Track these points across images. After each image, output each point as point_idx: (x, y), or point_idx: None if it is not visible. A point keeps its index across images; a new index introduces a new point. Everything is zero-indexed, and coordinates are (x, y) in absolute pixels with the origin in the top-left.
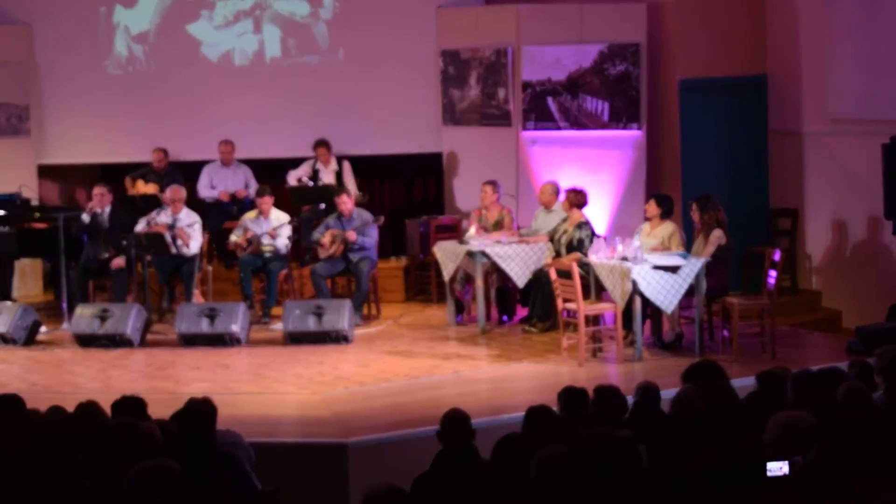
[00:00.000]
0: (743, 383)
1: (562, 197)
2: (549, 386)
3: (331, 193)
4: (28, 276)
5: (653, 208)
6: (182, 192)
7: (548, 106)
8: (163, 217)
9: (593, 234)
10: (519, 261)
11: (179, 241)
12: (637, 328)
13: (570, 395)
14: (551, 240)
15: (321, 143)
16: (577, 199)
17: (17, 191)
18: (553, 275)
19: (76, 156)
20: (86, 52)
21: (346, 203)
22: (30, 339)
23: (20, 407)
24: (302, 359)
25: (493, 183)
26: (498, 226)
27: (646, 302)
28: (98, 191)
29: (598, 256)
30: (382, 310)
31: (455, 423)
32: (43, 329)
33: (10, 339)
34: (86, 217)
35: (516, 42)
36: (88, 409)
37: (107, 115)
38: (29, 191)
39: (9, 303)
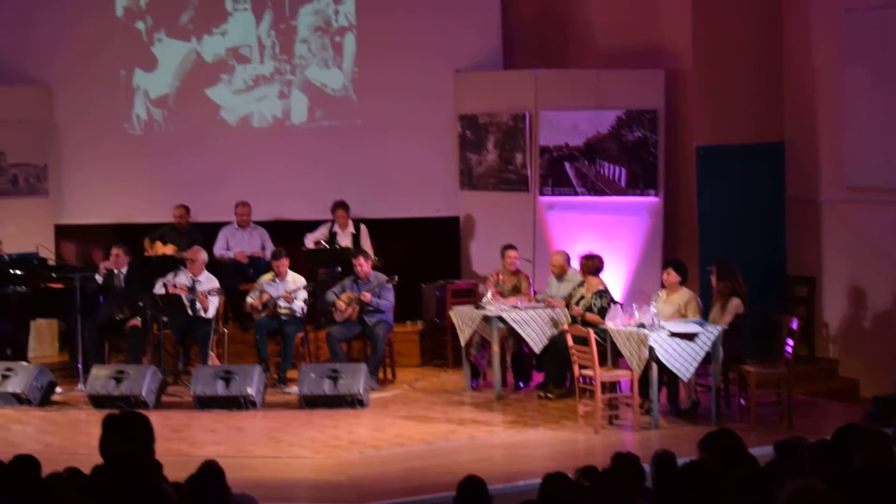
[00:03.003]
0: (760, 452)
1: (575, 264)
2: (565, 453)
3: (347, 256)
4: (44, 335)
5: (672, 276)
6: (203, 254)
7: (565, 171)
8: (182, 279)
9: (612, 300)
10: (535, 326)
11: (198, 305)
12: (653, 395)
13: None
14: (567, 306)
15: (340, 206)
16: (592, 264)
17: (34, 250)
18: (570, 341)
19: (93, 216)
20: (105, 113)
21: (363, 266)
22: (45, 400)
23: (36, 468)
24: (317, 422)
25: (510, 247)
26: (515, 290)
27: (662, 369)
28: (115, 251)
29: (614, 323)
30: (398, 374)
31: (472, 489)
32: (58, 389)
33: (26, 400)
34: (99, 277)
35: (534, 107)
36: (105, 471)
37: (124, 175)
38: (46, 250)
39: (24, 363)
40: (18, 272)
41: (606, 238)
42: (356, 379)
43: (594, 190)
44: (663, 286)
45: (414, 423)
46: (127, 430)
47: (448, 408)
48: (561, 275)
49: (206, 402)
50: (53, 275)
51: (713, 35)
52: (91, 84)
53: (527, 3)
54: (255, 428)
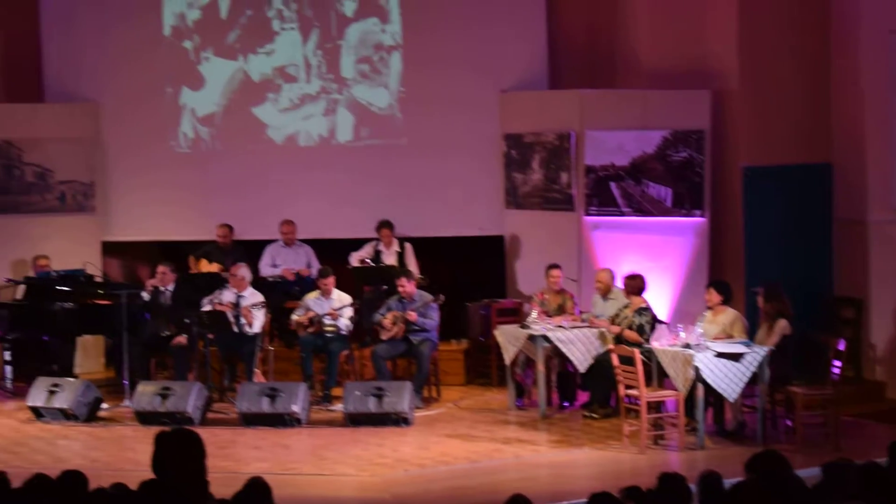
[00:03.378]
0: (806, 474)
1: (619, 283)
2: (610, 473)
3: (392, 275)
4: (90, 352)
5: (714, 296)
6: (246, 271)
7: (610, 191)
8: (227, 295)
9: (655, 319)
10: (580, 345)
11: (243, 321)
12: (699, 416)
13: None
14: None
15: (385, 225)
16: (635, 284)
17: (81, 267)
18: (615, 360)
19: (139, 233)
20: (151, 130)
21: (407, 285)
22: (91, 416)
23: (83, 483)
24: (362, 440)
25: (555, 267)
26: (560, 310)
27: (708, 389)
28: (161, 269)
29: (660, 343)
30: (443, 392)
31: None
32: (104, 406)
33: (72, 416)
34: (147, 294)
35: (579, 127)
36: (152, 487)
37: (171, 193)
38: (92, 267)
39: (71, 379)
40: (65, 288)
41: (652, 258)
42: (401, 397)
43: (639, 210)
44: (708, 307)
45: (459, 442)
46: (179, 447)
47: (493, 426)
48: (606, 292)
49: (251, 420)
50: (100, 291)
51: (760, 55)
52: (138, 102)
53: (573, 22)
54: (300, 445)
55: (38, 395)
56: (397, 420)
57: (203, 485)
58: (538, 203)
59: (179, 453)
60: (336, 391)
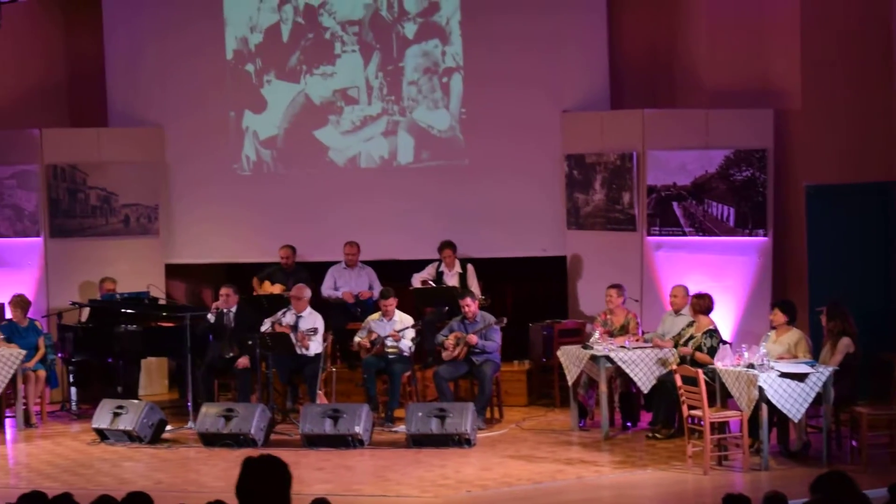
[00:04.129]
0: (873, 495)
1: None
2: (674, 494)
3: (454, 296)
4: (154, 374)
5: (779, 317)
6: (306, 291)
7: (673, 211)
8: (287, 317)
9: (720, 340)
10: (643, 366)
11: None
12: (763, 436)
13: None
14: (675, 346)
15: (447, 245)
16: (703, 304)
17: (145, 289)
18: (678, 381)
19: (203, 255)
20: (214, 154)
21: (470, 306)
22: (155, 438)
23: None
24: (424, 461)
25: (618, 286)
26: (623, 330)
27: (772, 410)
28: (224, 291)
29: (724, 363)
30: (505, 413)
31: None
32: (168, 427)
33: (136, 437)
34: (210, 316)
35: (641, 147)
36: None
37: (233, 216)
38: (156, 290)
39: (135, 401)
40: (130, 311)
41: (715, 278)
42: (464, 418)
43: (702, 230)
44: (773, 327)
45: (521, 463)
46: (266, 474)
47: (555, 447)
48: (679, 308)
49: (314, 441)
50: (164, 314)
51: (822, 74)
52: (201, 126)
53: (635, 42)
54: (362, 467)
55: (102, 417)
56: (460, 441)
57: None
58: (600, 223)
59: (266, 480)
60: (398, 412)
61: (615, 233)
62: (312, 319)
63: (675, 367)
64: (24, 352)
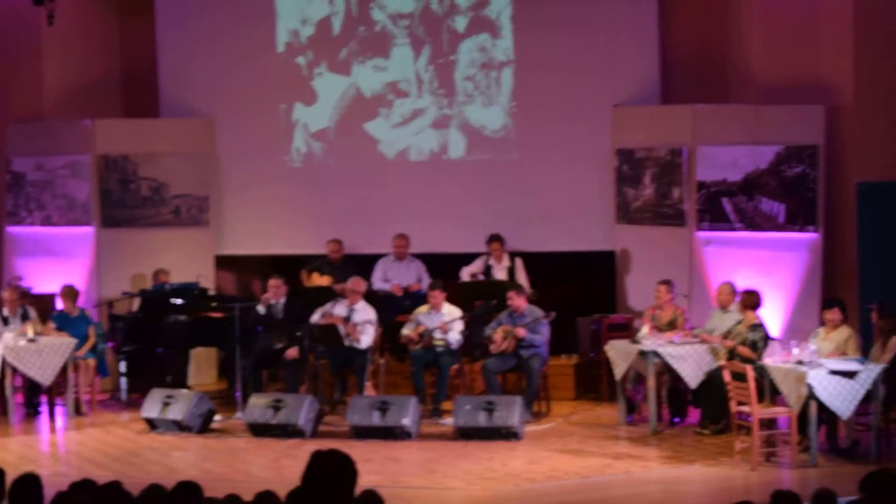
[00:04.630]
0: None
1: (737, 298)
2: (722, 490)
3: (502, 289)
4: (203, 364)
5: (837, 315)
6: (363, 285)
7: (723, 206)
8: (339, 309)
9: (767, 336)
10: (692, 361)
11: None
12: (812, 433)
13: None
14: (725, 338)
15: (495, 238)
16: (751, 300)
17: (194, 280)
18: (727, 376)
19: (252, 247)
20: (264, 145)
21: (516, 299)
22: (204, 427)
23: (198, 494)
24: (472, 454)
25: (667, 282)
26: (671, 326)
27: (821, 407)
28: (274, 283)
29: (773, 360)
30: (552, 407)
31: None
32: (217, 417)
33: (186, 427)
34: (261, 308)
35: (692, 142)
36: (268, 498)
37: (283, 207)
38: (206, 280)
39: (185, 391)
40: (179, 301)
41: (764, 274)
42: (511, 411)
43: (752, 225)
44: (822, 323)
45: (569, 457)
46: (333, 467)
47: (603, 442)
48: (725, 306)
49: (361, 433)
50: (213, 304)
51: (874, 70)
52: (252, 117)
53: (686, 37)
54: (410, 459)
55: (152, 407)
56: (507, 434)
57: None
58: (650, 218)
59: (333, 474)
60: (446, 405)
61: (664, 228)
62: (366, 312)
63: (723, 362)
64: (74, 341)
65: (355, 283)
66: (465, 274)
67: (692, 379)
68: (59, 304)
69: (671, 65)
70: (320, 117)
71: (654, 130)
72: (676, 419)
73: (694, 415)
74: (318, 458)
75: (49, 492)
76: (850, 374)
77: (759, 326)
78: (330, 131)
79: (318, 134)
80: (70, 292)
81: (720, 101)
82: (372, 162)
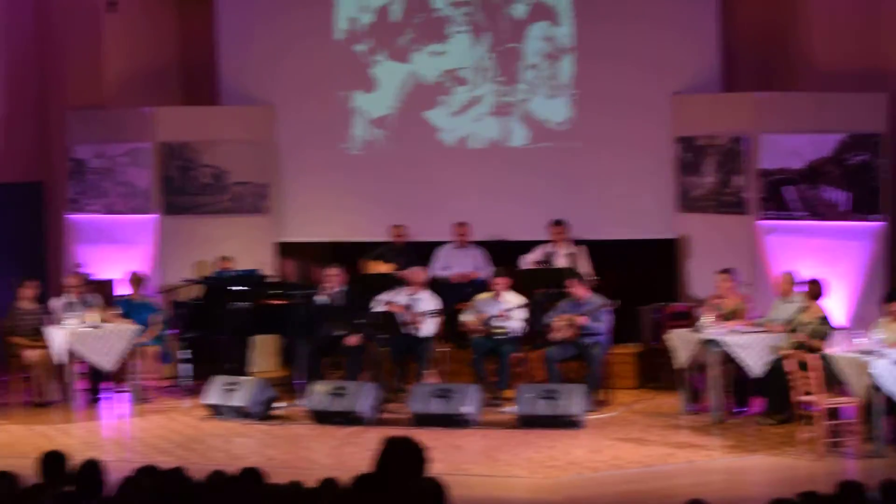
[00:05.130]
0: None
1: (800, 287)
2: (786, 479)
3: (564, 277)
4: (264, 351)
5: None
6: (421, 275)
7: (785, 195)
8: (400, 297)
9: (831, 325)
10: (754, 350)
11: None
12: (877, 423)
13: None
14: (793, 331)
15: (557, 223)
16: (816, 289)
17: (255, 267)
18: (791, 366)
19: (313, 234)
20: (324, 133)
21: (577, 288)
22: (266, 414)
23: (261, 481)
24: (533, 442)
25: (729, 271)
26: (734, 314)
27: (888, 397)
28: (332, 272)
29: (837, 349)
30: (614, 396)
31: None
32: (279, 404)
33: (248, 414)
34: (322, 295)
35: (754, 130)
36: (331, 485)
37: (343, 195)
38: (267, 268)
39: (247, 378)
40: (241, 288)
41: (827, 263)
42: (573, 400)
43: (815, 214)
44: (885, 315)
45: (631, 446)
46: (404, 454)
47: (665, 431)
48: (786, 295)
49: (423, 420)
50: (275, 292)
51: None
52: (312, 105)
53: (747, 23)
54: (471, 446)
55: (214, 394)
56: (569, 423)
57: (413, 492)
58: (711, 206)
59: (404, 461)
60: (508, 393)
61: (726, 216)
62: (430, 302)
63: (786, 352)
64: (138, 327)
65: (413, 274)
66: (527, 261)
67: (755, 368)
68: (121, 291)
69: (733, 52)
70: (380, 105)
71: (715, 118)
72: (739, 408)
73: (757, 404)
74: (389, 445)
75: (112, 477)
76: None
77: (825, 318)
78: (390, 118)
79: (378, 121)
80: (136, 279)
81: (782, 88)
82: (432, 149)
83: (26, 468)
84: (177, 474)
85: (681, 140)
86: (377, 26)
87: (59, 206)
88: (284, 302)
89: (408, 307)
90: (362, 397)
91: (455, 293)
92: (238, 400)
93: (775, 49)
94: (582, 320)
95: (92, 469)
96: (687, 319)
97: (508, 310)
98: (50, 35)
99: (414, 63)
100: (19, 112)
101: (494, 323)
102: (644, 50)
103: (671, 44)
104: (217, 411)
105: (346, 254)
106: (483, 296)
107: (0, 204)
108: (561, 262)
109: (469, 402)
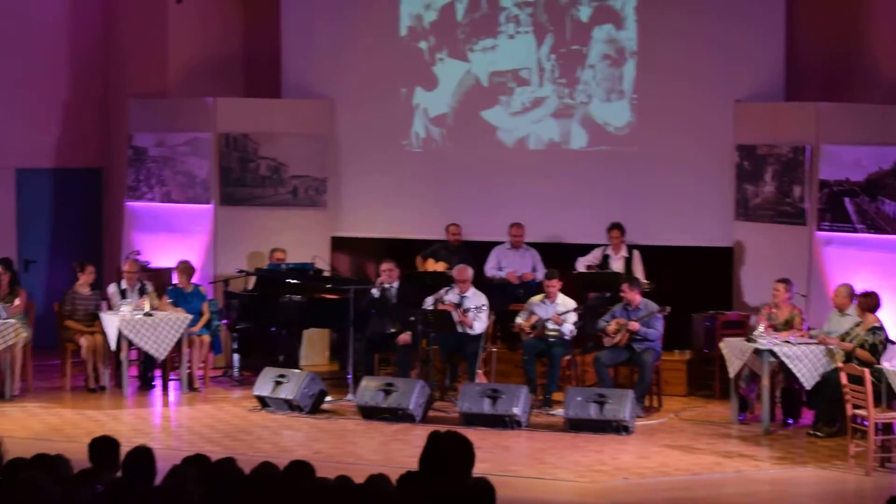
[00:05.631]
0: None
1: (855, 301)
2: (834, 493)
3: (618, 282)
4: (315, 345)
5: None
6: (467, 273)
7: (844, 207)
8: (451, 296)
9: (887, 339)
10: (808, 362)
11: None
12: None
13: None
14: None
15: (615, 226)
16: (869, 302)
17: (310, 261)
18: (843, 379)
19: (368, 229)
20: (384, 129)
21: (629, 292)
22: (315, 408)
23: (310, 474)
24: (581, 446)
25: (785, 281)
26: (788, 325)
27: None
28: (386, 266)
29: (891, 363)
30: (664, 402)
31: None
32: (328, 398)
33: (297, 407)
34: (375, 291)
35: (815, 140)
36: (380, 481)
37: (400, 191)
38: (322, 261)
39: (297, 371)
40: (294, 281)
41: (885, 277)
42: (622, 405)
43: (874, 227)
44: None
45: (679, 453)
46: (452, 449)
47: (714, 439)
48: (843, 308)
49: (471, 420)
50: (328, 286)
51: None
52: (372, 101)
53: (813, 33)
54: (519, 448)
55: (264, 385)
56: (618, 428)
57: (460, 489)
58: (769, 216)
59: (451, 455)
60: (557, 396)
61: (784, 226)
62: (477, 298)
63: (840, 364)
64: (189, 316)
65: (460, 272)
66: (582, 265)
67: (808, 380)
68: (175, 280)
69: (797, 61)
70: (440, 103)
71: (776, 127)
72: (790, 420)
73: (808, 416)
74: (436, 439)
75: (161, 465)
76: None
77: (879, 329)
78: (449, 117)
79: (436, 119)
80: (185, 268)
81: (846, 99)
82: (490, 149)
83: (77, 453)
84: (227, 464)
85: (741, 148)
86: (441, 24)
87: (119, 193)
88: (338, 296)
89: (458, 306)
90: (412, 395)
91: (508, 294)
92: (287, 392)
93: (840, 59)
94: (634, 326)
95: (142, 456)
96: (740, 328)
97: (561, 313)
98: (116, 24)
99: (475, 62)
100: (83, 99)
101: (547, 325)
102: (708, 57)
103: (735, 51)
104: (266, 403)
105: (401, 251)
106: (536, 298)
107: (61, 189)
108: (616, 265)
109: (518, 404)
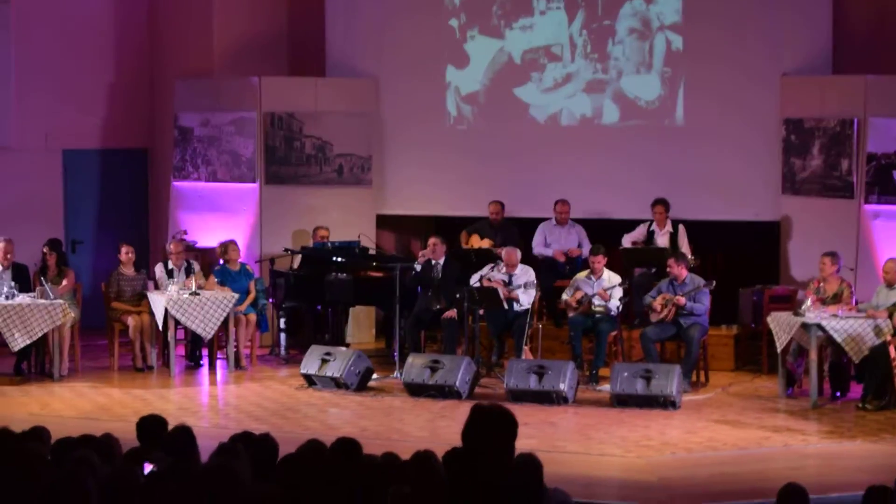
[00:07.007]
0: None
1: None
2: (884, 466)
3: (663, 257)
4: (361, 323)
5: None
6: (516, 257)
7: (892, 179)
8: (498, 274)
9: None
10: (856, 336)
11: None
12: None
13: None
14: (891, 316)
15: (659, 202)
16: None
17: (356, 239)
18: (892, 352)
19: (413, 207)
20: (426, 107)
21: (676, 267)
22: (361, 385)
23: (357, 451)
24: (628, 422)
25: (832, 255)
26: (836, 299)
27: None
28: (432, 241)
29: None
30: (711, 377)
31: (793, 497)
32: (374, 376)
33: (343, 384)
34: (417, 265)
35: (863, 113)
36: (425, 458)
37: (444, 169)
38: (367, 239)
39: (343, 348)
40: (340, 260)
41: None
42: (669, 380)
43: None
44: None
45: (727, 428)
46: (494, 423)
47: (762, 414)
48: (892, 283)
49: (518, 396)
50: (374, 263)
51: None
52: (415, 79)
53: (859, 6)
54: (566, 424)
55: (310, 363)
56: (665, 403)
57: (506, 463)
58: (816, 189)
59: (493, 429)
60: (603, 371)
61: (832, 200)
62: (526, 275)
63: (888, 338)
64: (236, 295)
65: (508, 255)
66: (627, 241)
67: (856, 354)
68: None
69: (844, 34)
70: (472, 80)
71: (824, 101)
72: (838, 394)
73: (856, 390)
74: (478, 413)
75: (209, 443)
76: None
77: None
78: (481, 94)
79: (469, 97)
80: (227, 248)
81: (893, 72)
82: (523, 126)
83: (126, 432)
84: (270, 442)
85: (788, 122)
86: (471, 1)
87: (164, 173)
88: (383, 274)
89: (507, 284)
90: (458, 371)
91: (554, 271)
92: (334, 370)
93: (887, 31)
94: (681, 301)
95: (182, 434)
96: (787, 303)
97: (607, 289)
98: (161, 4)
99: (506, 39)
100: (129, 80)
101: (593, 301)
102: (752, 30)
103: (782, 24)
104: (312, 381)
105: (445, 228)
106: (582, 274)
107: (108, 170)
108: (661, 241)
109: (565, 380)
